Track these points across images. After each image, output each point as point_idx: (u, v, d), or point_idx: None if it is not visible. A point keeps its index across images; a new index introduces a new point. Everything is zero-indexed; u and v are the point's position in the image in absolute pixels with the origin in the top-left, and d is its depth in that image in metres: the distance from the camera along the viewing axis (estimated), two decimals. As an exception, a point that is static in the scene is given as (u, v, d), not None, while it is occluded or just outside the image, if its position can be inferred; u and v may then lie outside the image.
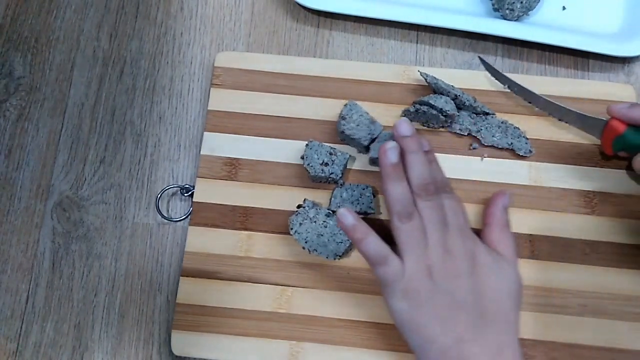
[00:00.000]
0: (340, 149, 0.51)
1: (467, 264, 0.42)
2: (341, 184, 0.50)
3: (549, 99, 0.52)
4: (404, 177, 0.44)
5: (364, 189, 0.50)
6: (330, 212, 0.49)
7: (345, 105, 0.51)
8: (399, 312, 0.42)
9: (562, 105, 0.52)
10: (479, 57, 0.56)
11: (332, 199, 0.50)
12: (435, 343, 0.40)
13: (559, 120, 0.53)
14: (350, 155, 0.52)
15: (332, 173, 0.50)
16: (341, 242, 0.48)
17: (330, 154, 0.51)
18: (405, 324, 0.42)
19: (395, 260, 0.42)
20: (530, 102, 0.53)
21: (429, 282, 0.41)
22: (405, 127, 0.45)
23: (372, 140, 0.51)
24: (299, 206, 0.49)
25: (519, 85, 0.53)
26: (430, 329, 0.41)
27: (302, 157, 0.50)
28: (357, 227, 0.43)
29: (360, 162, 0.53)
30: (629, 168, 0.52)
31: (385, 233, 0.44)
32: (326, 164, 0.50)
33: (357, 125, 0.50)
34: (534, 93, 0.53)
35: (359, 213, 0.49)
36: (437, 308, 0.41)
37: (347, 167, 0.52)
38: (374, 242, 0.43)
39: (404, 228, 0.43)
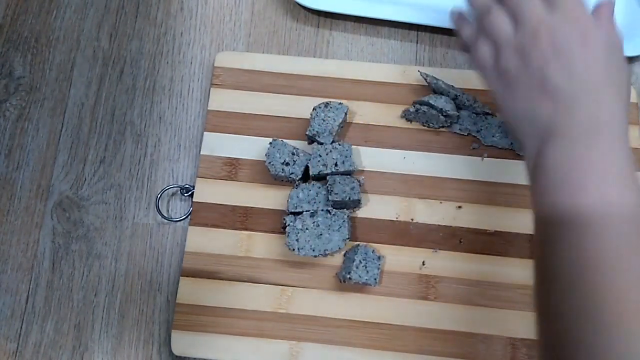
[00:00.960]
0: (304, 149, 0.51)
1: (570, 42, 0.38)
2: (297, 185, 0.50)
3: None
4: None
5: (319, 188, 0.50)
6: (311, 211, 0.49)
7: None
8: (494, 92, 0.41)
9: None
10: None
11: (289, 200, 0.50)
12: (526, 121, 0.39)
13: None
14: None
15: (292, 173, 0.50)
16: (342, 226, 0.48)
17: (293, 154, 0.51)
18: (499, 102, 0.41)
19: (484, 46, 0.41)
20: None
21: (519, 61, 0.39)
22: None
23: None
24: (284, 227, 0.49)
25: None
26: (520, 108, 0.39)
27: (266, 155, 0.50)
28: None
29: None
30: None
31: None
32: (287, 164, 0.50)
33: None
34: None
35: (314, 211, 0.49)
36: (527, 86, 0.39)
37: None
38: (466, 28, 0.43)
39: (489, 18, 0.41)
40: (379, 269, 0.48)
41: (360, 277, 0.47)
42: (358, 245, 0.49)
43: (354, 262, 0.47)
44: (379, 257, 0.48)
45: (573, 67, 0.38)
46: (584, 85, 0.37)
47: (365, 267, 0.47)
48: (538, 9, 0.39)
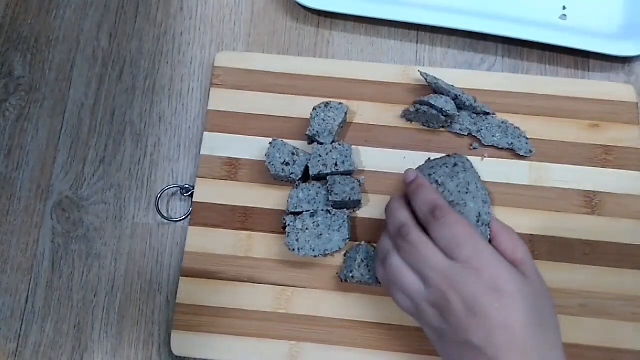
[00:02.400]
0: (304, 149, 0.51)
1: (483, 300, 0.37)
2: (297, 185, 0.50)
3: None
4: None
5: (319, 188, 0.50)
6: (311, 211, 0.49)
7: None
8: (433, 343, 0.41)
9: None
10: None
11: (289, 200, 0.50)
12: None
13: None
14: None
15: (292, 173, 0.50)
16: (342, 226, 0.48)
17: (293, 154, 0.51)
18: (441, 355, 0.40)
19: (401, 295, 0.41)
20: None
21: (440, 324, 0.38)
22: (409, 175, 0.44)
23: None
24: (284, 227, 0.49)
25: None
26: None
27: (266, 155, 0.50)
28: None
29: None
30: None
31: None
32: (287, 164, 0.50)
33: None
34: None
35: (314, 211, 0.49)
36: (455, 345, 0.38)
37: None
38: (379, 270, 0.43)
39: (392, 268, 0.41)
40: None
41: (362, 275, 0.47)
42: (359, 244, 0.49)
43: (355, 260, 0.47)
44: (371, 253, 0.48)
45: (491, 325, 0.36)
46: (509, 344, 0.36)
47: (367, 266, 0.47)
48: (440, 264, 0.38)
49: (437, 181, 0.43)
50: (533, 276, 0.39)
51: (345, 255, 0.50)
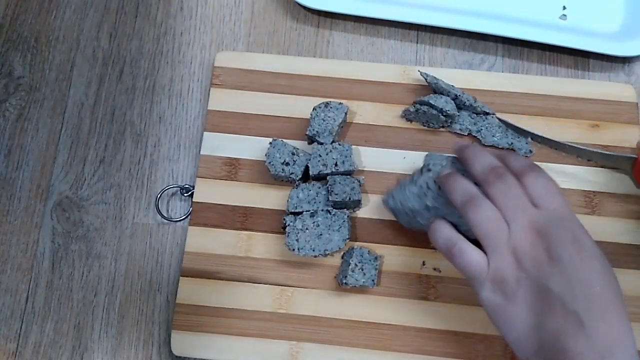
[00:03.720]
0: (304, 149, 0.52)
1: (566, 249, 0.36)
2: (297, 185, 0.50)
3: (574, 144, 0.51)
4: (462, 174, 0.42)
5: (319, 188, 0.50)
6: (311, 211, 0.49)
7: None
8: (489, 306, 0.38)
9: (589, 148, 0.51)
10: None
11: (289, 200, 0.50)
12: (531, 339, 0.36)
13: (588, 160, 0.52)
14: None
15: (292, 173, 0.50)
16: (342, 226, 0.48)
17: (293, 154, 0.51)
18: (497, 317, 0.38)
19: (474, 251, 0.39)
20: (555, 149, 0.52)
21: (517, 270, 0.37)
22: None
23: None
24: (284, 227, 0.49)
25: (542, 136, 0.52)
26: (525, 324, 0.36)
27: (266, 155, 0.50)
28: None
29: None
30: None
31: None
32: (287, 164, 0.50)
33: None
34: (558, 142, 0.52)
35: (314, 211, 0.49)
36: (530, 300, 0.36)
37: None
38: (441, 229, 0.41)
39: (475, 218, 0.39)
40: (376, 269, 0.48)
41: (357, 280, 0.47)
42: (353, 248, 0.49)
43: (349, 265, 0.47)
44: (375, 258, 0.48)
45: (574, 278, 0.36)
46: (589, 299, 0.35)
47: (362, 270, 0.47)
48: (529, 208, 0.38)
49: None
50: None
51: (342, 258, 0.50)
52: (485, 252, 0.39)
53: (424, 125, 0.54)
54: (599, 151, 0.51)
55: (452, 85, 0.53)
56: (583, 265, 0.36)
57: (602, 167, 0.52)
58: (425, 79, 0.53)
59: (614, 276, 0.38)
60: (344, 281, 0.47)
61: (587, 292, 0.36)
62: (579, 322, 0.35)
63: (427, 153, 0.48)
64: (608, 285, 0.37)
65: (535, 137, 0.52)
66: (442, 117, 0.52)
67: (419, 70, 0.54)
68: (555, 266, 0.36)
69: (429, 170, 0.45)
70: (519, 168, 0.41)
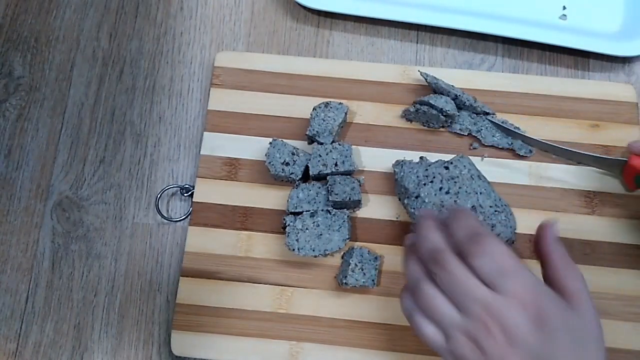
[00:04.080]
0: (304, 149, 0.52)
1: (527, 334, 0.34)
2: (297, 185, 0.50)
3: (565, 148, 0.51)
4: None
5: (319, 188, 0.50)
6: (311, 211, 0.49)
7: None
8: None
9: (580, 151, 0.51)
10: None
11: (289, 200, 0.50)
12: None
13: (578, 163, 0.52)
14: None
15: (292, 173, 0.50)
16: (342, 226, 0.48)
17: (293, 154, 0.51)
18: None
19: (428, 327, 0.37)
20: (545, 151, 0.52)
21: (475, 352, 0.35)
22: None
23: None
24: (284, 227, 0.49)
25: (534, 139, 0.52)
26: None
27: (266, 155, 0.50)
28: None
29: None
30: None
31: None
32: (287, 164, 0.50)
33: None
34: (550, 144, 0.51)
35: (314, 211, 0.49)
36: None
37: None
38: (405, 298, 0.39)
39: (422, 303, 0.37)
40: (376, 269, 0.48)
41: (357, 280, 0.47)
42: (353, 248, 0.49)
43: (349, 265, 0.47)
44: (375, 258, 0.48)
45: (530, 356, 0.34)
46: None
47: (362, 270, 0.47)
48: (481, 294, 0.35)
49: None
50: (584, 310, 0.37)
51: (342, 258, 0.50)
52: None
53: (424, 125, 0.54)
54: (590, 154, 0.51)
55: (452, 85, 0.53)
56: (544, 344, 0.34)
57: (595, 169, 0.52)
58: (425, 79, 0.53)
59: (586, 339, 0.36)
60: (344, 281, 0.47)
61: None
62: None
63: (459, 155, 0.50)
64: (573, 358, 0.35)
65: (527, 140, 0.52)
66: (442, 117, 0.52)
67: (419, 70, 0.54)
68: (513, 350, 0.34)
69: (447, 168, 0.48)
70: (463, 247, 0.37)
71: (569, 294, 0.37)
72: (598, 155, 0.51)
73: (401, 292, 0.40)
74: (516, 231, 0.49)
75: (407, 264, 0.39)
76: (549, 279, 0.39)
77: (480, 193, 0.48)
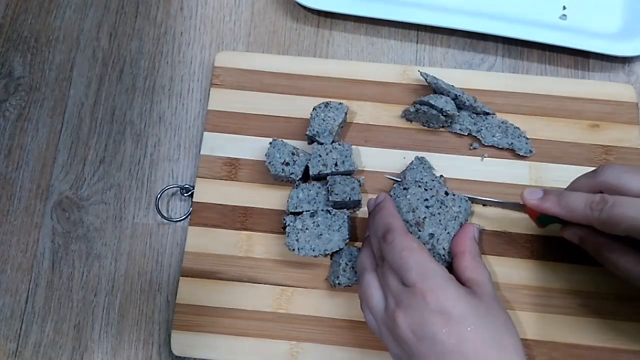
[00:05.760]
0: (304, 149, 0.52)
1: (430, 325, 0.37)
2: (297, 185, 0.50)
3: (477, 197, 0.50)
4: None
5: (319, 188, 0.50)
6: (311, 211, 0.49)
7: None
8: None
9: (481, 198, 0.50)
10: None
11: (289, 200, 0.50)
12: None
13: (484, 205, 0.51)
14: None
15: (292, 173, 0.50)
16: (342, 226, 0.48)
17: (293, 154, 0.51)
18: None
19: (378, 290, 0.42)
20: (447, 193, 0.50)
21: (395, 344, 0.39)
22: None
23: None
24: (284, 227, 0.49)
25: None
26: None
27: (266, 155, 0.50)
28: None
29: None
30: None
31: None
32: (287, 164, 0.50)
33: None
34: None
35: (314, 211, 0.49)
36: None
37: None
38: (364, 251, 0.44)
39: (361, 283, 0.43)
40: None
41: (349, 279, 0.47)
42: (342, 248, 0.49)
43: (340, 265, 0.47)
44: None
45: (442, 350, 0.36)
46: None
47: (353, 268, 0.47)
48: (394, 287, 0.39)
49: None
50: (486, 296, 0.39)
51: (331, 259, 0.50)
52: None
53: (424, 125, 0.54)
54: (491, 199, 0.50)
55: (452, 85, 0.53)
56: (450, 334, 0.36)
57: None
58: (425, 79, 0.53)
59: (493, 322, 0.38)
60: (337, 282, 0.47)
61: (461, 355, 0.36)
62: None
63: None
64: (484, 342, 0.36)
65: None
66: (442, 117, 0.52)
67: (419, 70, 0.54)
68: (422, 344, 0.37)
69: (419, 186, 0.48)
70: (377, 243, 0.42)
71: (475, 283, 0.40)
72: (498, 201, 0.50)
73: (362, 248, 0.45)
74: (514, 231, 0.49)
75: (372, 225, 0.44)
76: (458, 270, 0.42)
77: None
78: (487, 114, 0.53)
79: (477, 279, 0.41)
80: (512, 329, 0.39)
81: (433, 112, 0.51)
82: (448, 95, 0.52)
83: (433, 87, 0.53)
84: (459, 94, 0.52)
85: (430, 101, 0.51)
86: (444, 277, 0.39)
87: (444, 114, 0.51)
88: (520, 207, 0.47)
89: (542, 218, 0.45)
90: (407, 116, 0.54)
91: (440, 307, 0.37)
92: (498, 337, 0.37)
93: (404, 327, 0.37)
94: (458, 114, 0.53)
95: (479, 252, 0.44)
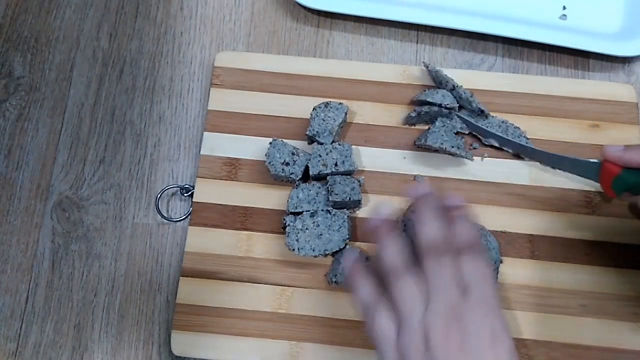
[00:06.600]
0: (304, 149, 0.52)
1: (480, 341, 0.34)
2: (297, 185, 0.50)
3: (539, 149, 0.49)
4: (398, 236, 0.39)
5: (319, 188, 0.50)
6: (311, 211, 0.49)
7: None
8: None
9: (555, 153, 0.49)
10: (422, 62, 0.51)
11: (289, 200, 0.50)
12: None
13: (553, 168, 0.51)
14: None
15: (292, 173, 0.50)
16: (342, 226, 0.48)
17: (293, 154, 0.51)
18: None
19: (388, 319, 0.36)
20: (523, 154, 0.51)
21: (422, 353, 0.34)
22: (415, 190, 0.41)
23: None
24: (284, 227, 0.49)
25: (507, 139, 0.51)
26: None
27: (266, 155, 0.50)
28: (353, 268, 0.39)
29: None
30: (633, 211, 0.49)
31: None
32: (287, 164, 0.50)
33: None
34: (525, 146, 0.50)
35: (314, 211, 0.49)
36: None
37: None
38: (364, 287, 0.38)
39: (398, 286, 0.36)
40: None
41: None
42: (345, 247, 0.49)
43: (339, 264, 0.47)
44: (367, 258, 0.48)
45: None
46: None
47: None
48: (453, 290, 0.36)
49: None
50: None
51: (333, 257, 0.50)
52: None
53: (428, 125, 0.54)
54: (566, 155, 0.48)
55: (452, 78, 0.53)
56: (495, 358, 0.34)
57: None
58: (427, 67, 0.53)
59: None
60: (334, 279, 0.47)
61: None
62: None
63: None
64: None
65: (501, 141, 0.51)
66: (444, 111, 0.52)
67: (422, 62, 0.53)
68: (464, 357, 0.34)
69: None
70: (461, 243, 0.38)
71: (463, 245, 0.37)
72: (573, 157, 0.47)
73: (355, 285, 0.39)
74: (514, 231, 0.49)
75: (389, 247, 0.38)
76: None
77: None
78: (482, 112, 0.53)
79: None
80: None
81: (435, 109, 0.51)
82: (446, 87, 0.52)
83: (433, 77, 0.53)
84: (456, 85, 0.52)
85: (428, 99, 0.51)
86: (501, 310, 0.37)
87: (444, 107, 0.51)
88: (594, 170, 0.44)
89: (618, 182, 0.43)
90: (409, 121, 0.53)
91: (495, 330, 0.35)
92: None
93: (453, 334, 0.34)
94: (458, 104, 0.52)
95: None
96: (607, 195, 0.45)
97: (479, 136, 0.53)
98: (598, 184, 0.46)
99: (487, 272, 0.37)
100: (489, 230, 0.49)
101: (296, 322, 0.49)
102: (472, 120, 0.53)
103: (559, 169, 0.50)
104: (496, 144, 0.52)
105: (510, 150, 0.52)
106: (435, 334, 0.34)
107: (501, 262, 0.49)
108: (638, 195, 0.43)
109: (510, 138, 0.51)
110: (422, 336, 0.35)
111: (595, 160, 0.45)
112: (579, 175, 0.49)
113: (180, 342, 0.48)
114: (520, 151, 0.51)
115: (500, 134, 0.51)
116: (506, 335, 0.35)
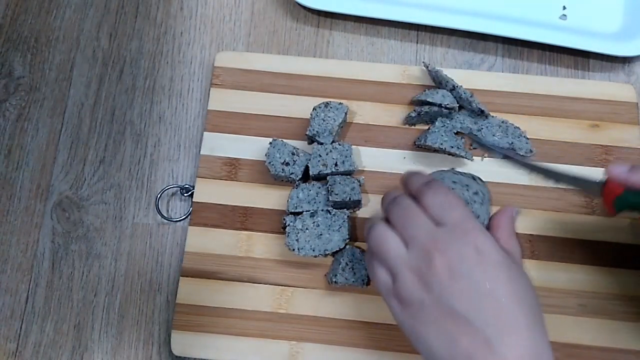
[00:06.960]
0: (304, 149, 0.52)
1: (466, 262, 0.35)
2: (297, 185, 0.50)
3: (541, 165, 0.48)
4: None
5: (319, 188, 0.50)
6: (311, 211, 0.49)
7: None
8: (401, 325, 0.37)
9: (557, 170, 0.47)
10: (422, 62, 0.51)
11: (289, 200, 0.50)
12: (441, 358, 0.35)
13: (556, 182, 0.48)
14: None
15: (292, 173, 0.50)
16: (342, 226, 0.48)
17: (293, 154, 0.51)
18: (407, 333, 0.37)
19: (382, 273, 0.38)
20: (523, 168, 0.50)
21: (420, 291, 0.36)
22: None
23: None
24: (284, 227, 0.49)
25: (513, 158, 0.51)
26: (431, 343, 0.35)
27: (266, 155, 0.50)
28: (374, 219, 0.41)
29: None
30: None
31: None
32: (287, 164, 0.50)
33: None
34: (527, 163, 0.50)
35: (314, 211, 0.49)
36: (437, 323, 0.35)
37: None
38: (375, 229, 0.39)
39: (371, 240, 0.39)
40: (366, 269, 0.48)
41: (347, 279, 0.47)
42: (345, 247, 0.49)
43: (340, 264, 0.47)
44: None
45: (477, 293, 0.35)
46: (495, 313, 0.34)
47: (352, 269, 0.47)
48: (427, 225, 0.37)
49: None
50: (519, 264, 0.38)
51: (333, 256, 0.50)
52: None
53: (428, 124, 0.54)
54: (569, 173, 0.46)
55: (452, 79, 0.53)
56: (486, 276, 0.35)
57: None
58: (427, 67, 0.53)
59: (524, 284, 0.36)
60: (334, 280, 0.47)
61: (492, 305, 0.34)
62: (486, 342, 0.33)
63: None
64: (515, 296, 0.35)
65: (505, 158, 0.51)
66: (444, 111, 0.52)
67: (422, 62, 0.53)
68: (457, 282, 0.35)
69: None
70: (416, 188, 0.40)
71: (507, 252, 0.38)
72: (576, 176, 0.46)
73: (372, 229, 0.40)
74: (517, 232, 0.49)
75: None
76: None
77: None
78: (482, 112, 0.53)
79: (510, 250, 0.38)
80: (537, 301, 0.37)
81: (435, 109, 0.51)
82: (446, 87, 0.52)
83: (433, 77, 0.53)
84: (456, 84, 0.52)
85: (428, 99, 0.51)
86: (483, 227, 0.38)
87: (444, 107, 0.51)
88: (596, 188, 0.44)
89: (620, 201, 0.42)
90: (409, 121, 0.53)
91: (479, 247, 0.36)
92: (531, 301, 0.36)
93: (440, 265, 0.35)
94: (458, 104, 0.53)
95: (514, 230, 0.40)
96: (607, 212, 0.44)
97: (479, 136, 0.53)
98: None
99: (449, 198, 0.38)
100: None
101: (296, 322, 0.49)
102: (481, 139, 0.52)
103: (561, 185, 0.48)
104: (499, 145, 0.52)
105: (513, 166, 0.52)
106: (424, 273, 0.36)
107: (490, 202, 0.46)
108: (638, 213, 0.43)
109: (515, 156, 0.51)
110: (415, 278, 0.36)
111: (598, 180, 0.44)
112: (581, 190, 0.49)
113: (180, 342, 0.48)
114: (523, 168, 0.51)
115: (506, 152, 0.51)
116: (491, 248, 0.36)
